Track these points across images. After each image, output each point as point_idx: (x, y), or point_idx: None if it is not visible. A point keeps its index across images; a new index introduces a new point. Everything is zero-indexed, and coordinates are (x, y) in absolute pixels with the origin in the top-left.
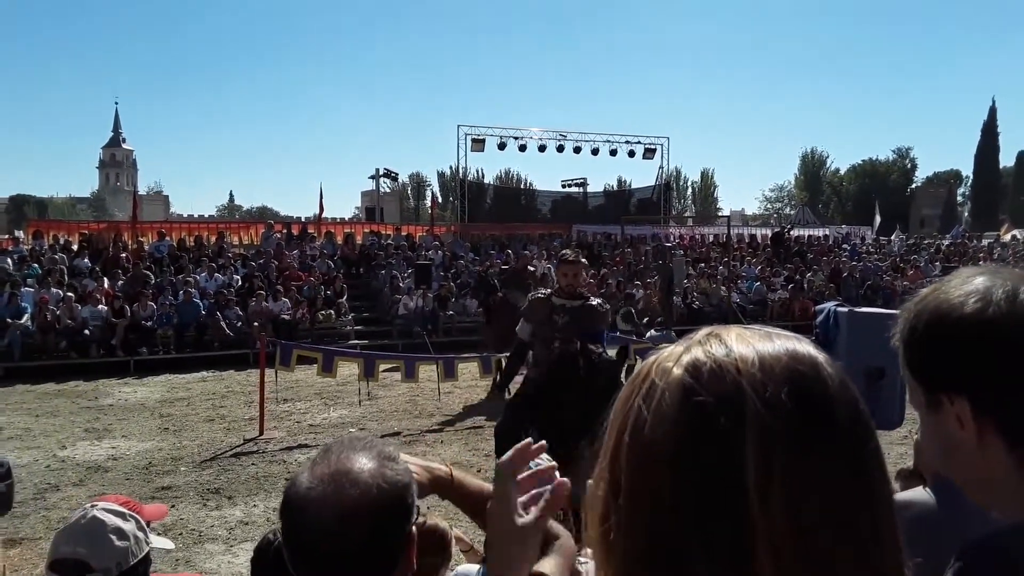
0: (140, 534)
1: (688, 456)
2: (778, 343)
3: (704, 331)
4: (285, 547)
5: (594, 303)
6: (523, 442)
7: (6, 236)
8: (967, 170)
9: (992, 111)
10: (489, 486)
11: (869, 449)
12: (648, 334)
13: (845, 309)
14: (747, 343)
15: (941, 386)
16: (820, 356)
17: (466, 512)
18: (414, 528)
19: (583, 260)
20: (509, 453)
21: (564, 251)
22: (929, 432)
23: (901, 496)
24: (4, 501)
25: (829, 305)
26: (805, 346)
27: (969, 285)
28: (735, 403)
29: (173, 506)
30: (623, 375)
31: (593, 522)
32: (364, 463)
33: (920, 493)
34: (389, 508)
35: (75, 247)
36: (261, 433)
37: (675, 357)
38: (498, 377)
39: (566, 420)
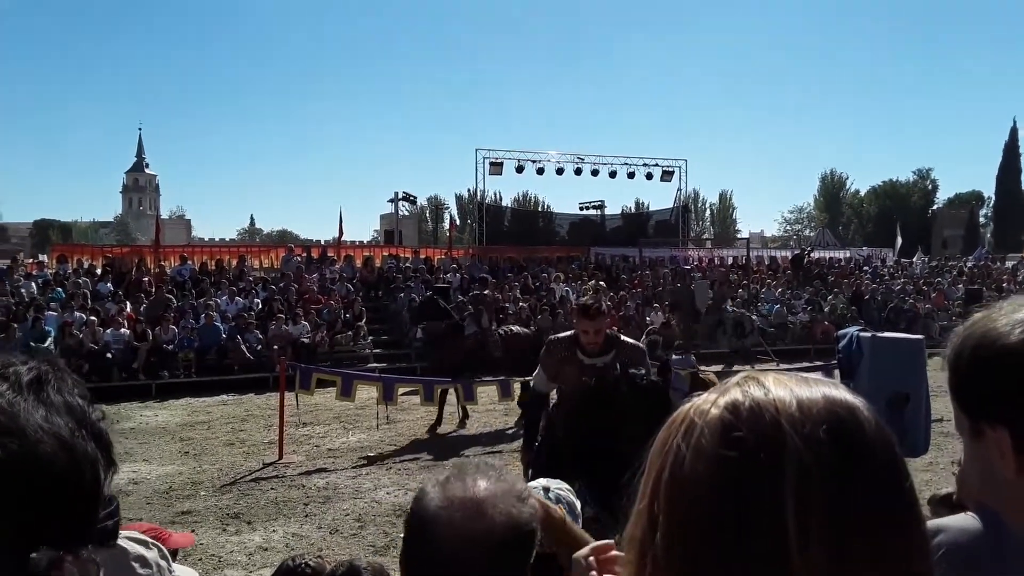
0: (163, 563)
1: (727, 490)
2: (815, 388)
3: (741, 375)
4: (407, 558)
5: (628, 345)
6: (602, 543)
7: (30, 260)
8: (989, 191)
9: (1013, 131)
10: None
11: (906, 489)
12: (665, 355)
13: (868, 334)
14: (784, 387)
15: (983, 414)
16: (857, 401)
17: (566, 564)
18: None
19: (605, 308)
20: (585, 550)
21: (584, 301)
22: (971, 460)
23: (935, 522)
24: (111, 535)
25: (852, 330)
26: (842, 391)
27: (1019, 313)
28: (774, 439)
29: (193, 531)
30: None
31: (629, 559)
32: (496, 496)
33: (962, 519)
34: (510, 548)
35: (99, 271)
36: (280, 457)
37: (712, 400)
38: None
39: (613, 461)
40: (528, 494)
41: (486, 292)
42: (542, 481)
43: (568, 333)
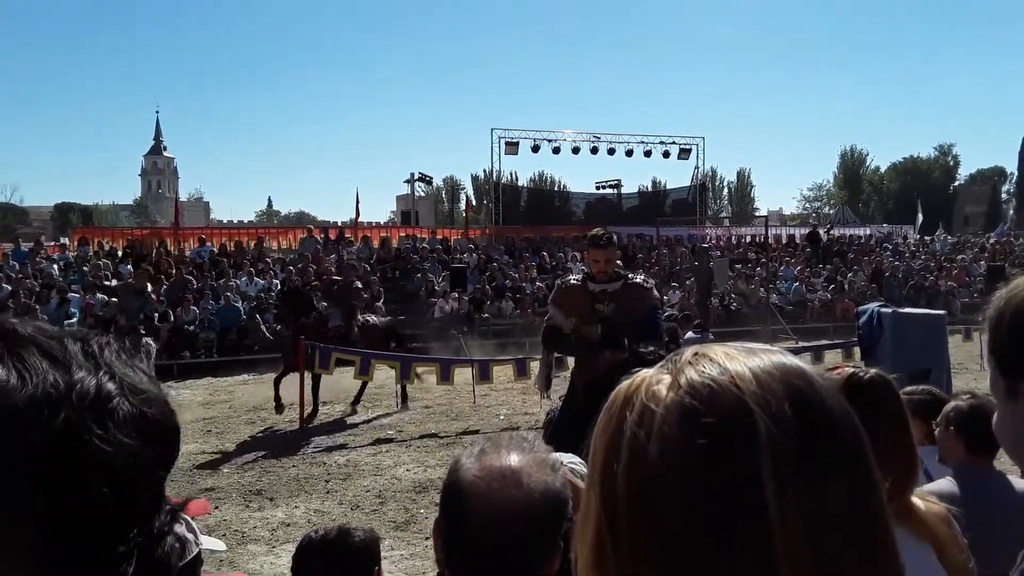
0: (190, 535)
1: (701, 478)
2: (765, 358)
3: (689, 352)
4: (445, 527)
5: (637, 280)
6: None
7: (52, 243)
8: (1011, 166)
9: None
10: None
11: (866, 455)
12: (686, 335)
13: (889, 310)
14: (736, 360)
15: (1021, 375)
16: (808, 368)
17: None
18: (561, 541)
19: (615, 242)
20: None
21: (595, 232)
22: (1005, 420)
23: (928, 487)
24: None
25: (872, 306)
26: (791, 359)
27: None
28: (745, 422)
29: (216, 507)
30: None
31: (584, 561)
32: (530, 466)
33: (943, 483)
34: (548, 515)
35: (119, 253)
36: (301, 435)
37: (663, 381)
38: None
39: None
40: (559, 464)
41: (355, 284)
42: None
43: (578, 274)
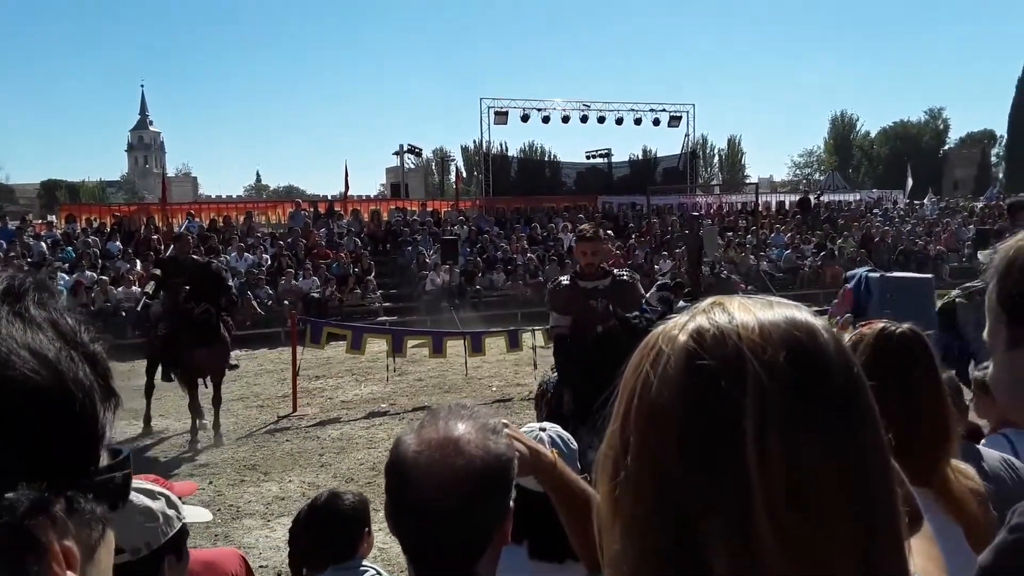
0: (171, 511)
1: (691, 416)
2: (778, 311)
3: (708, 301)
4: (389, 505)
5: (623, 277)
6: None
7: (40, 221)
8: (1001, 129)
9: None
10: (589, 489)
11: (862, 408)
12: (678, 304)
13: (877, 274)
14: (748, 311)
15: None
16: (818, 322)
17: (558, 506)
18: (512, 504)
19: (603, 235)
20: None
21: (582, 227)
22: (1003, 369)
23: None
24: (121, 492)
25: (860, 271)
26: (804, 313)
27: None
28: (735, 365)
29: (211, 482)
30: None
31: (603, 481)
32: (470, 433)
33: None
34: (492, 480)
35: (107, 230)
36: (294, 410)
37: (680, 326)
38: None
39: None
40: (501, 427)
41: (208, 264)
42: (537, 424)
43: (566, 276)
